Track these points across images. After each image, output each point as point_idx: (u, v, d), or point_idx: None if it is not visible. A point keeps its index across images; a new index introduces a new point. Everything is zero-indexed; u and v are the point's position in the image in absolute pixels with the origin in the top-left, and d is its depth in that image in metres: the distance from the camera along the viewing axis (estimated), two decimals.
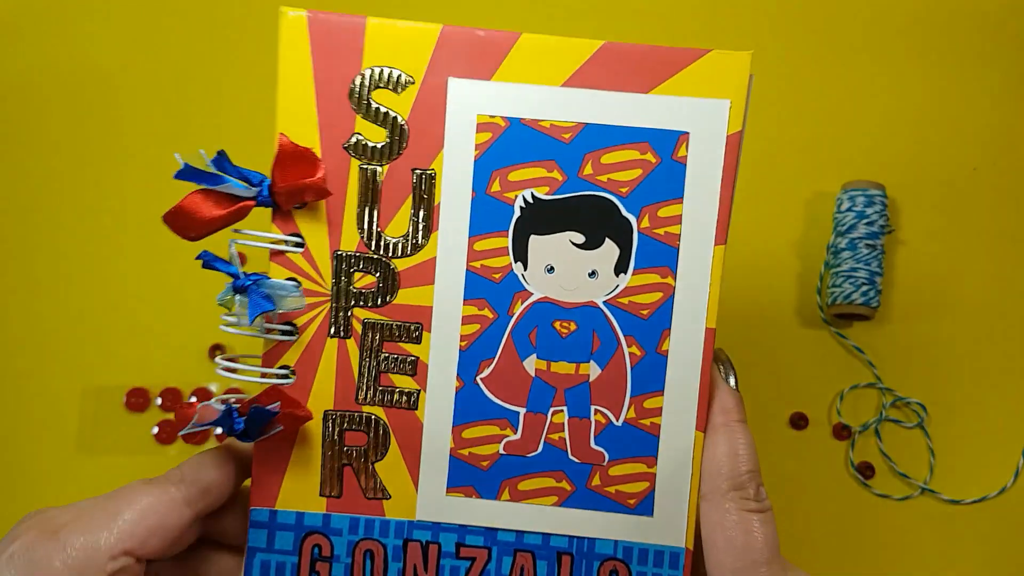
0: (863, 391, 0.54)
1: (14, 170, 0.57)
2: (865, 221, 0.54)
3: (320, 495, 0.36)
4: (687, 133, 0.34)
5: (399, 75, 0.34)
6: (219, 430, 0.41)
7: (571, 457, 0.35)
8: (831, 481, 0.53)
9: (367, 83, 0.34)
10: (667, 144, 0.34)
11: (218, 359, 0.35)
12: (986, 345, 0.55)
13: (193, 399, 0.54)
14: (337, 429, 0.35)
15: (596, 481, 0.35)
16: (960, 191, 0.56)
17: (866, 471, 0.53)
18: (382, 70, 0.34)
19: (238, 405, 0.34)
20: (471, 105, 0.34)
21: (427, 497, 0.36)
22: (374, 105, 0.34)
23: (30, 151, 0.58)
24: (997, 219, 0.56)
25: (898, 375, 0.54)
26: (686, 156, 0.34)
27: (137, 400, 0.55)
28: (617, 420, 0.35)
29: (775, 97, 0.57)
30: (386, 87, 0.34)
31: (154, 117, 0.57)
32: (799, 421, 0.54)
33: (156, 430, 0.54)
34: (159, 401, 0.55)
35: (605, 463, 0.35)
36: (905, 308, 0.56)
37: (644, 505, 0.35)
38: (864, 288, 0.53)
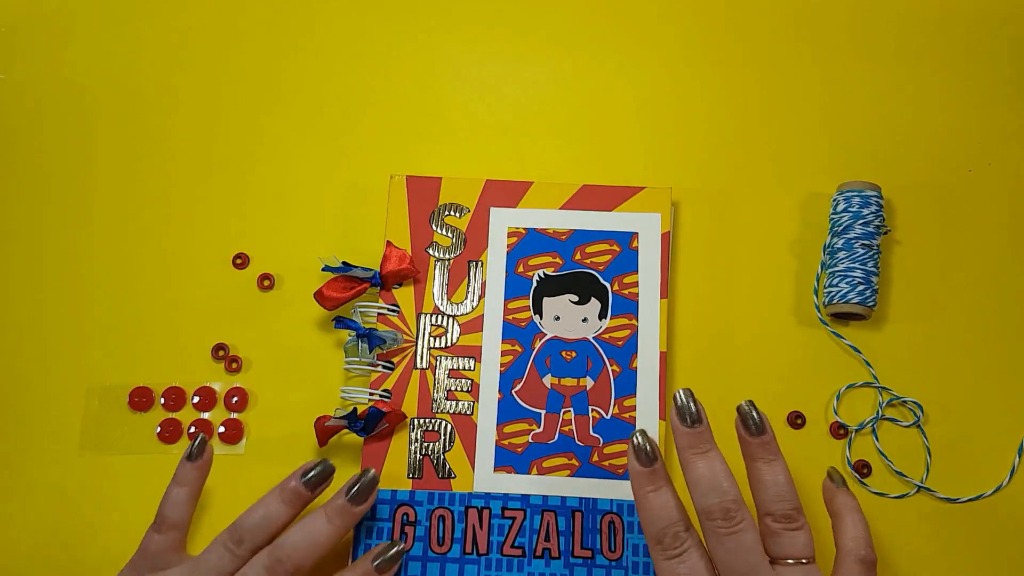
0: (860, 390, 0.55)
1: (19, 169, 0.60)
2: (861, 222, 0.54)
3: (407, 477, 0.52)
4: (636, 233, 0.55)
5: (460, 206, 0.56)
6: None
7: (577, 442, 0.52)
8: None
9: (440, 211, 0.56)
10: (625, 239, 0.55)
11: (341, 388, 0.53)
12: (982, 345, 0.55)
13: (196, 399, 0.55)
14: (419, 431, 0.52)
15: (595, 458, 0.52)
16: (955, 192, 0.57)
17: (863, 469, 0.53)
18: (450, 204, 0.56)
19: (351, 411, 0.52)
20: (504, 222, 0.55)
21: (481, 475, 0.52)
22: (445, 223, 0.55)
23: (35, 150, 0.60)
24: (992, 220, 0.57)
25: (895, 375, 0.55)
26: (637, 246, 0.55)
27: (140, 399, 0.55)
28: (607, 415, 0.52)
29: (771, 98, 0.60)
30: (452, 214, 0.56)
31: (158, 118, 0.61)
32: (797, 420, 0.54)
33: (159, 429, 0.55)
34: (162, 400, 0.55)
35: (600, 445, 0.52)
36: (902, 308, 0.56)
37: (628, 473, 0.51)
38: (860, 288, 0.53)
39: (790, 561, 0.41)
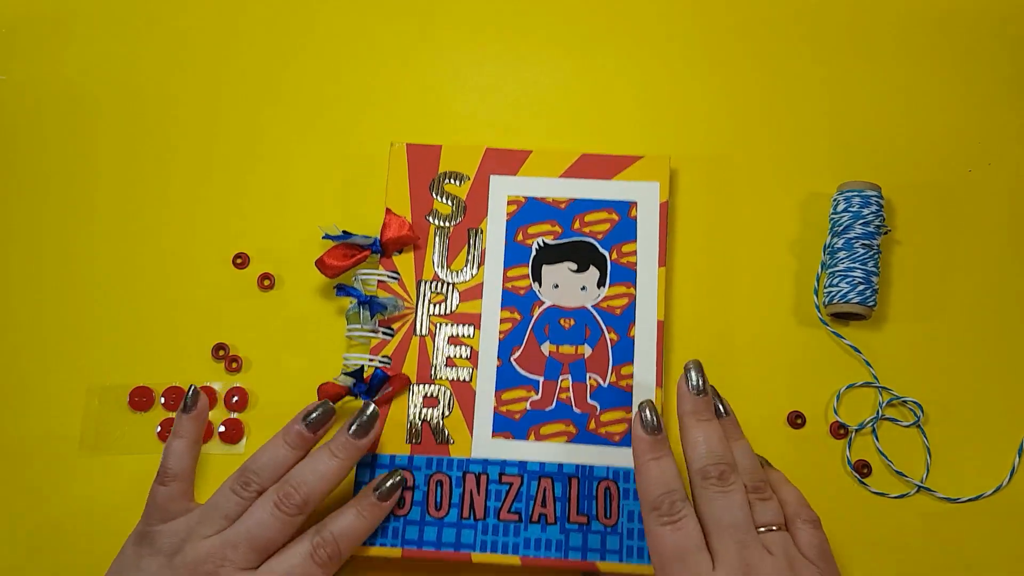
0: (860, 390, 0.55)
1: (19, 169, 0.60)
2: (861, 222, 0.54)
3: (406, 443, 0.52)
4: (635, 202, 0.55)
5: (460, 174, 0.56)
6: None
7: (575, 409, 0.52)
8: (828, 479, 0.53)
9: (440, 179, 0.56)
10: (624, 208, 0.55)
11: (344, 354, 0.54)
12: (982, 345, 0.55)
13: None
14: (418, 397, 0.53)
15: (592, 425, 0.52)
16: (955, 192, 0.57)
17: (863, 469, 0.53)
18: (450, 172, 0.56)
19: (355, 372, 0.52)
20: (504, 190, 0.55)
21: (479, 441, 0.52)
22: (445, 191, 0.56)
23: (35, 150, 0.60)
24: (992, 220, 0.57)
25: (895, 374, 0.55)
26: (636, 215, 0.55)
27: (141, 399, 0.55)
28: (604, 383, 0.53)
29: (771, 98, 0.60)
30: (452, 181, 0.56)
31: (158, 118, 0.61)
32: (797, 420, 0.54)
33: (159, 429, 0.55)
34: (162, 400, 0.55)
35: (598, 412, 0.52)
36: (902, 308, 0.56)
37: (625, 440, 0.52)
38: (861, 288, 0.53)
39: (762, 529, 0.44)
